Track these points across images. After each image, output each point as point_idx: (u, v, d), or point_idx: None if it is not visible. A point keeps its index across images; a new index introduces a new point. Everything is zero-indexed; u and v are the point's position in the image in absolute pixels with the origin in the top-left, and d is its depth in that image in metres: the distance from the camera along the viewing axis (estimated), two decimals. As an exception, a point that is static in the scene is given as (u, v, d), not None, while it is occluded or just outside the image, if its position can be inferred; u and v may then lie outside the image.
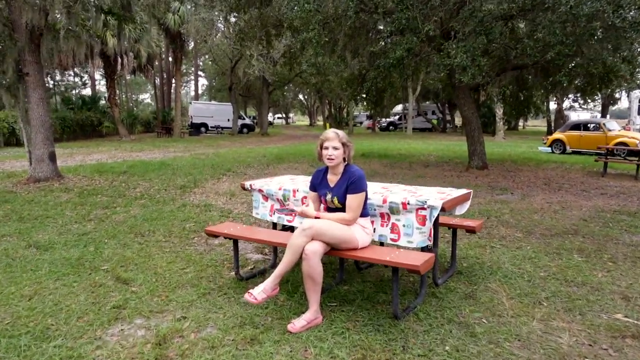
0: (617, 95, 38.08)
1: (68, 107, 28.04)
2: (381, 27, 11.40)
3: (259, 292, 2.80)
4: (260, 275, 3.77)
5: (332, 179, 3.12)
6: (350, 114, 38.23)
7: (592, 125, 17.56)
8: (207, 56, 39.38)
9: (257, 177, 9.95)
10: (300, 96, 61.11)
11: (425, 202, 3.00)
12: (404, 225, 3.13)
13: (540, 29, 7.68)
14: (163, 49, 30.65)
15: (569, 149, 17.70)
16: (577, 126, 17.97)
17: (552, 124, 35.99)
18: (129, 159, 13.82)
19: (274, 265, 3.94)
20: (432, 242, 3.12)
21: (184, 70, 52.26)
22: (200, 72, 51.19)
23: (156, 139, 25.77)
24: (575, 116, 42.79)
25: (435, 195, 3.16)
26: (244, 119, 35.10)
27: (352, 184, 2.96)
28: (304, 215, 3.14)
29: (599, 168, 12.68)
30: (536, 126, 63.31)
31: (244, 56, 23.42)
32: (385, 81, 11.19)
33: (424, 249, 3.19)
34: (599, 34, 9.46)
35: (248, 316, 2.97)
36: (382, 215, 3.24)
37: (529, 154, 17.02)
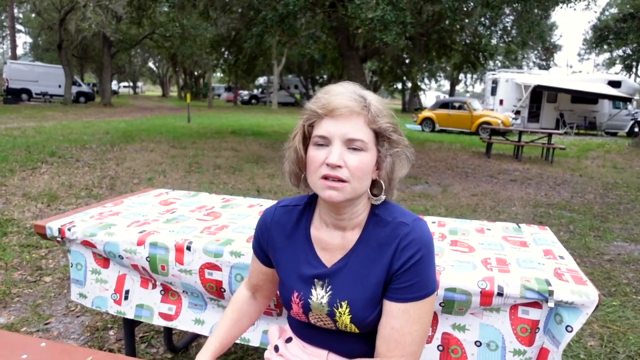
0: (460, 77, 41.60)
1: None
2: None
3: None
4: None
5: (331, 241, 1.03)
6: (209, 84, 34.79)
7: (458, 104, 17.86)
8: (28, 6, 31.87)
9: (97, 163, 7.10)
10: (151, 63, 54.65)
11: (550, 294, 1.17)
12: (477, 344, 1.27)
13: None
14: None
15: (437, 127, 17.81)
16: (445, 105, 18.15)
17: (407, 103, 37.63)
18: None
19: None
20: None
21: (-4, 22, 42.30)
22: (20, 27, 41.81)
23: (-48, 106, 19.58)
24: (423, 96, 45.85)
25: (546, 263, 1.36)
26: (80, 85, 29.20)
27: (410, 269, 0.94)
28: None
29: (477, 147, 12.55)
30: (386, 104, 66.94)
31: (76, 6, 18.78)
32: (265, 43, 9.12)
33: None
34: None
35: None
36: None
37: (405, 132, 16.54)
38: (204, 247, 1.44)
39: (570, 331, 1.17)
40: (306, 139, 0.99)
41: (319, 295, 1.01)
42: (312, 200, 1.08)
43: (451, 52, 12.92)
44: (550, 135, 10.13)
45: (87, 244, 1.58)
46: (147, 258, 1.49)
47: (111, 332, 2.43)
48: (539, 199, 6.10)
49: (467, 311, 1.27)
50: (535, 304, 1.21)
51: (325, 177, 0.92)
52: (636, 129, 17.45)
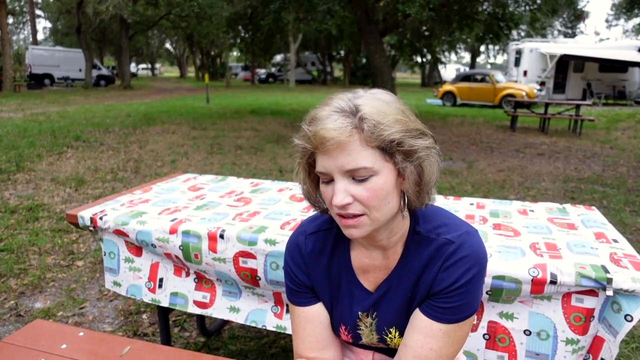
0: (481, 49, 40.42)
1: None
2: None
3: None
4: None
5: (372, 262, 0.93)
6: (227, 64, 34.66)
7: (480, 77, 17.38)
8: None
9: (120, 147, 7.17)
10: (168, 44, 54.64)
11: (608, 282, 1.10)
12: (527, 333, 1.21)
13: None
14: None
15: (459, 101, 17.41)
16: (467, 78, 17.68)
17: (426, 77, 36.87)
18: None
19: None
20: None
21: (17, 8, 42.77)
22: (39, 12, 42.14)
23: (-22, 93, 19.99)
24: (442, 69, 44.72)
25: (599, 247, 1.29)
26: (100, 69, 29.42)
27: (458, 289, 0.83)
28: None
29: (500, 121, 12.23)
30: (405, 78, 65.64)
31: (92, -11, 18.77)
32: (283, 20, 8.97)
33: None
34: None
35: None
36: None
37: (425, 107, 16.30)
38: (237, 234, 1.41)
39: (630, 320, 1.10)
40: (312, 173, 0.88)
41: (367, 323, 0.96)
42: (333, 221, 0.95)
43: (473, 23, 12.49)
44: (578, 106, 9.77)
45: (119, 232, 1.57)
46: (180, 247, 1.47)
47: (144, 316, 2.46)
48: (569, 173, 5.92)
49: (515, 299, 1.21)
50: (591, 292, 1.15)
51: (338, 214, 0.81)
52: (669, 98, 16.76)
